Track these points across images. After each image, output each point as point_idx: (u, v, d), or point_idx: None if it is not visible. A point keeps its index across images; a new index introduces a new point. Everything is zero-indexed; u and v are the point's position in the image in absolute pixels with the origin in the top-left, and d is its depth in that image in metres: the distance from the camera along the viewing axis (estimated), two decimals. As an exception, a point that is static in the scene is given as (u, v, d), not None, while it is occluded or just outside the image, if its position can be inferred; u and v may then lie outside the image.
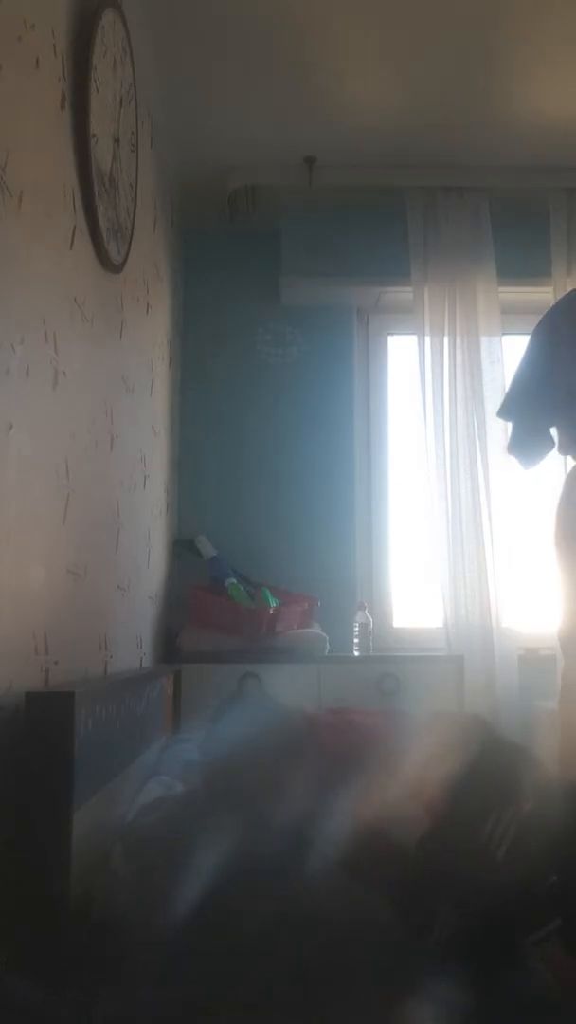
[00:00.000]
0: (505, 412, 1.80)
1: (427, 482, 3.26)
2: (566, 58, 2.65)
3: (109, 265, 2.02)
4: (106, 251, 1.96)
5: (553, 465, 2.78)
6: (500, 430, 3.15)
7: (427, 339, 3.29)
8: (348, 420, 3.50)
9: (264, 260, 3.43)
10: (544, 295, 3.19)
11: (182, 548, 3.27)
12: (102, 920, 1.26)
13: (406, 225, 3.28)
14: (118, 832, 1.49)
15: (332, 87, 2.77)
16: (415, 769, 1.40)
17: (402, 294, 3.36)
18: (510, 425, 1.85)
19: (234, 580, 3.13)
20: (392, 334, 3.63)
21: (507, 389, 1.81)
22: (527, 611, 3.27)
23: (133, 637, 2.48)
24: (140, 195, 2.36)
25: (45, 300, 1.57)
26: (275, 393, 3.49)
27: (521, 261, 3.28)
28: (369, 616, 3.17)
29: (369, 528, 3.51)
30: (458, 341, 3.28)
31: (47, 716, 1.28)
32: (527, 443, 1.77)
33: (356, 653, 3.11)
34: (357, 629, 3.15)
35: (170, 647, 3.02)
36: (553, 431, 1.79)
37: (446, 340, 3.29)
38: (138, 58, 2.30)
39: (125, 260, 2.17)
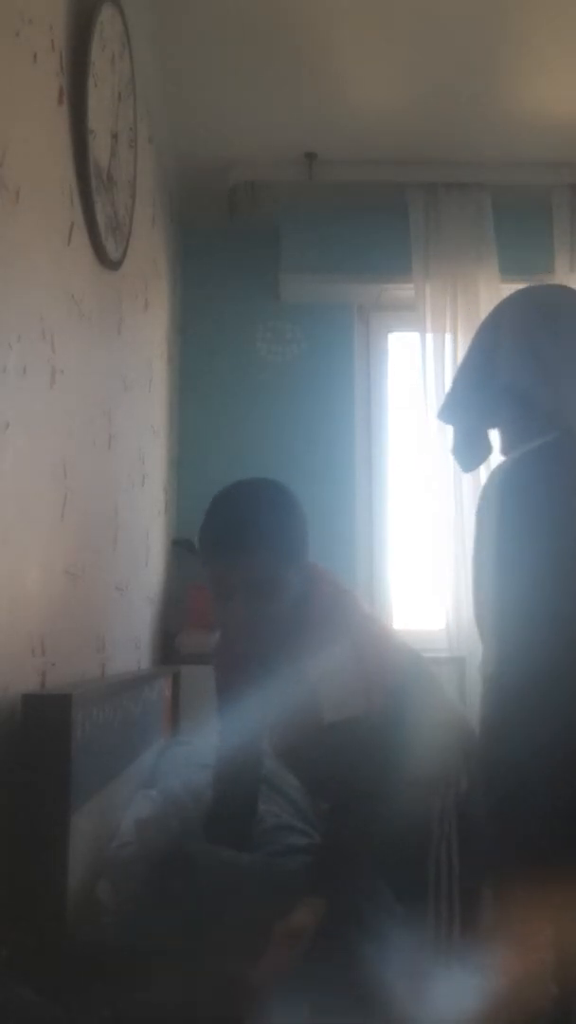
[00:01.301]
0: (443, 415, 1.79)
1: (428, 481, 3.24)
2: (569, 53, 2.63)
3: (107, 262, 2.00)
4: (104, 248, 1.95)
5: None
6: (501, 429, 3.13)
7: (428, 336, 3.28)
8: (348, 418, 3.48)
9: (264, 257, 3.41)
10: (546, 293, 3.18)
11: (181, 548, 3.25)
12: (94, 939, 1.28)
13: (407, 221, 3.27)
14: (105, 860, 1.50)
15: (333, 82, 2.75)
16: None
17: (403, 291, 3.34)
18: (450, 428, 1.84)
19: (234, 580, 3.11)
20: (393, 331, 3.61)
21: (447, 392, 1.80)
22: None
23: (131, 638, 2.47)
24: (139, 191, 2.34)
25: (42, 297, 1.55)
26: (275, 391, 3.47)
27: (523, 257, 3.27)
28: (369, 616, 3.15)
29: (370, 528, 3.49)
30: (460, 338, 3.26)
31: (44, 718, 1.27)
32: (466, 446, 1.77)
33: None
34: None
35: (169, 648, 3.00)
36: (491, 435, 1.80)
37: (448, 337, 3.28)
38: (137, 53, 2.28)
39: (123, 257, 2.15)
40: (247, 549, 1.51)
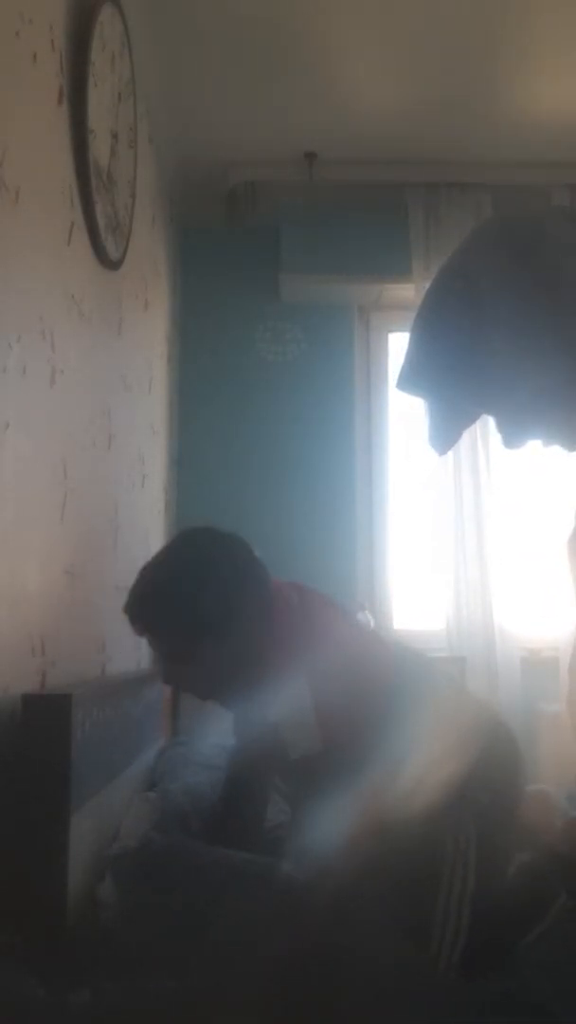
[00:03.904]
0: (411, 386, 1.35)
1: (429, 482, 3.24)
2: (568, 53, 2.63)
3: (107, 262, 2.00)
4: (104, 248, 1.95)
5: (556, 464, 2.76)
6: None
7: (428, 337, 3.27)
8: (348, 418, 3.48)
9: (264, 257, 3.40)
10: (546, 292, 3.18)
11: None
12: (94, 935, 1.28)
13: (407, 221, 3.26)
14: (106, 860, 1.50)
15: (333, 83, 2.75)
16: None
17: (403, 291, 3.33)
18: (425, 406, 1.39)
19: (234, 580, 3.10)
20: (393, 331, 3.61)
21: (409, 352, 1.34)
22: (529, 612, 3.25)
23: (131, 638, 2.46)
24: (138, 191, 2.34)
25: (42, 297, 1.55)
26: (275, 391, 3.47)
27: (523, 258, 3.26)
28: (370, 617, 3.15)
29: (370, 528, 3.49)
30: (459, 339, 3.26)
31: (44, 718, 1.27)
32: (450, 431, 1.37)
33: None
34: (357, 629, 3.13)
35: (169, 647, 2.99)
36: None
37: (447, 338, 3.27)
38: (137, 53, 2.28)
39: (123, 257, 2.15)
40: (150, 626, 1.65)
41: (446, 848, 1.36)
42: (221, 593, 1.58)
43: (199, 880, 1.35)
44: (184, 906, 1.30)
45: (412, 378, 1.35)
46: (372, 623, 3.14)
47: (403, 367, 1.34)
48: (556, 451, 1.30)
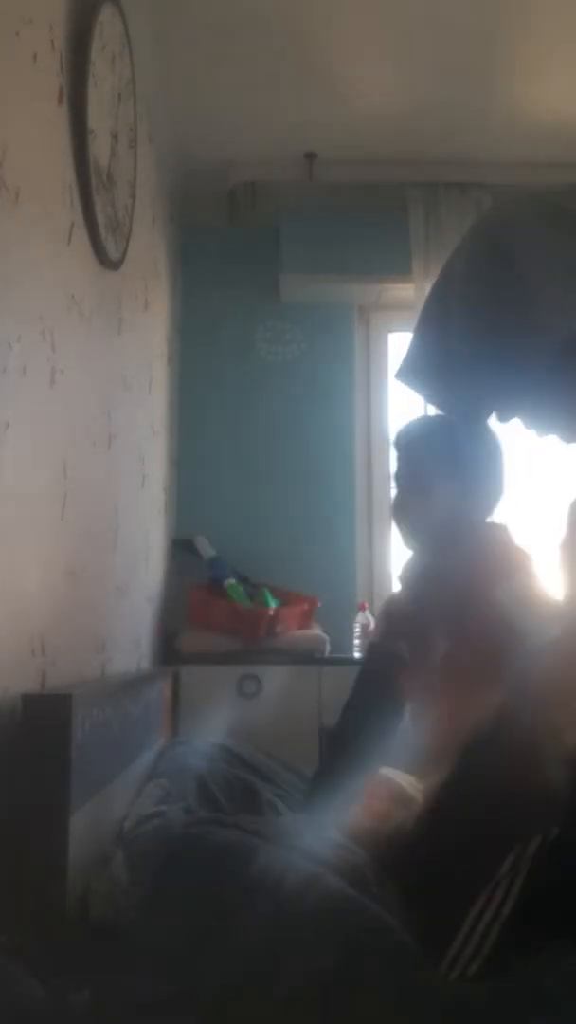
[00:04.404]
0: (411, 379, 1.31)
1: (428, 481, 3.24)
2: (568, 53, 2.63)
3: (107, 262, 2.00)
4: (104, 248, 1.95)
5: (556, 461, 2.76)
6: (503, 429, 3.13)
7: (428, 337, 3.27)
8: (349, 419, 3.48)
9: (264, 257, 3.41)
10: (546, 293, 3.18)
11: (181, 548, 3.25)
12: (100, 922, 1.26)
13: (407, 221, 3.26)
14: (117, 839, 1.47)
15: (333, 82, 2.75)
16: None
17: (403, 291, 3.34)
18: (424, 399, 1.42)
19: (233, 580, 3.11)
20: (393, 331, 3.61)
21: (414, 344, 1.30)
22: (529, 611, 3.25)
23: (131, 638, 2.47)
24: (138, 191, 2.34)
25: (42, 297, 1.55)
26: (275, 391, 3.47)
27: (523, 258, 3.26)
28: (370, 617, 3.15)
29: (370, 528, 3.49)
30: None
31: (44, 718, 1.27)
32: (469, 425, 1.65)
33: (357, 654, 3.10)
34: (358, 630, 3.13)
35: (169, 648, 3.00)
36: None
37: (447, 338, 3.27)
38: (137, 53, 2.28)
39: (123, 257, 2.15)
40: (409, 444, 2.05)
41: (504, 863, 1.30)
42: (476, 460, 1.90)
43: (225, 877, 1.30)
44: (203, 904, 1.26)
45: (407, 373, 1.37)
46: (372, 623, 3.14)
47: (403, 359, 1.37)
48: (552, 441, 1.31)
